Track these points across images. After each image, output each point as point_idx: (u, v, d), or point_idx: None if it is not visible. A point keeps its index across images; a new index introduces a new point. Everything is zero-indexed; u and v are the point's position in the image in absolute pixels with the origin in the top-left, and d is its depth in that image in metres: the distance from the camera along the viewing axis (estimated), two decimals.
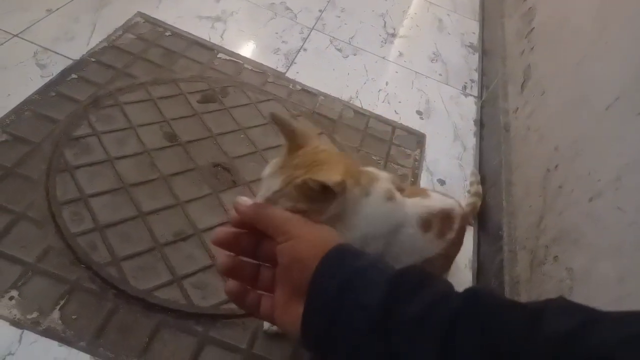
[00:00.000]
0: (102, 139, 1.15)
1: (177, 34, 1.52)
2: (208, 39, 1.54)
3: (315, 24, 1.80)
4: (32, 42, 1.29)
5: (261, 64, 1.54)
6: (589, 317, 0.34)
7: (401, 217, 0.80)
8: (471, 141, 1.57)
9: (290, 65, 1.58)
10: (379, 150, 1.43)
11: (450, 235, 0.88)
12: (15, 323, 0.82)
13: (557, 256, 0.90)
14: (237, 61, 1.51)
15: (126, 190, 1.06)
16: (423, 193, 0.90)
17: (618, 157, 0.82)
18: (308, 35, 1.73)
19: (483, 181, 1.41)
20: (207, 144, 1.25)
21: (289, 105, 1.45)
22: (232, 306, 0.90)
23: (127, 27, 1.47)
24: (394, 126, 1.52)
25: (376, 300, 0.38)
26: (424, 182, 1.37)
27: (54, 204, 0.99)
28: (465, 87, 1.79)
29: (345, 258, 0.42)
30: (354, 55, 1.73)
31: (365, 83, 1.63)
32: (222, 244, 0.48)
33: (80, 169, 1.07)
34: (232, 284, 0.48)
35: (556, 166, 1.04)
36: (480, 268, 1.20)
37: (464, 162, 1.49)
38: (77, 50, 1.32)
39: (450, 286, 0.41)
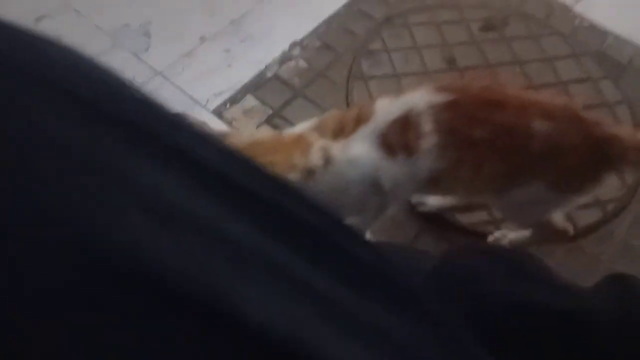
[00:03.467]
0: (391, 55, 1.28)
1: None
2: None
3: None
4: None
5: None
6: None
7: (361, 166, 0.63)
8: None
9: None
10: None
11: (428, 140, 0.61)
12: None
13: None
14: None
15: None
16: (366, 116, 0.65)
17: None
18: None
19: None
20: (482, 73, 1.27)
21: (571, 42, 1.36)
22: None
23: None
24: None
25: None
26: None
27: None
28: None
29: None
30: None
31: None
32: None
33: (372, 79, 1.22)
34: None
35: None
36: None
37: None
38: None
39: None
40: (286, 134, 0.67)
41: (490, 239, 0.98)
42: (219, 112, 1.11)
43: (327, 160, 0.61)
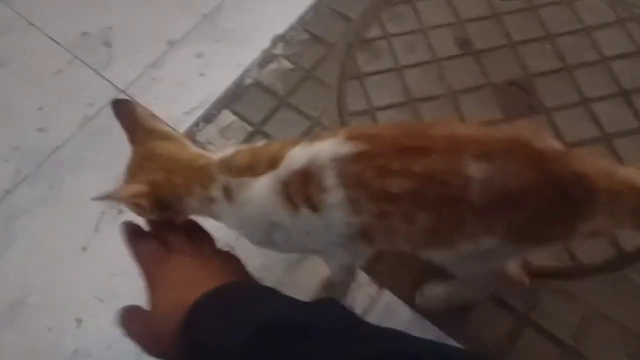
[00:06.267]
0: (392, 42, 1.08)
1: None
2: None
3: None
4: None
5: None
6: None
7: (259, 209, 0.55)
8: None
9: None
10: None
11: (333, 195, 0.50)
12: None
13: None
14: None
15: (412, 106, 1.00)
16: (278, 160, 0.54)
17: None
18: None
19: None
20: (504, 54, 1.06)
21: (618, 6, 1.10)
22: None
23: None
24: None
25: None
26: None
27: (344, 113, 0.99)
28: None
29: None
30: None
31: None
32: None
33: (369, 76, 1.04)
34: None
35: None
36: None
37: None
38: None
39: None
40: (201, 156, 0.59)
41: (417, 298, 0.79)
42: (191, 134, 0.97)
43: (228, 195, 0.56)
